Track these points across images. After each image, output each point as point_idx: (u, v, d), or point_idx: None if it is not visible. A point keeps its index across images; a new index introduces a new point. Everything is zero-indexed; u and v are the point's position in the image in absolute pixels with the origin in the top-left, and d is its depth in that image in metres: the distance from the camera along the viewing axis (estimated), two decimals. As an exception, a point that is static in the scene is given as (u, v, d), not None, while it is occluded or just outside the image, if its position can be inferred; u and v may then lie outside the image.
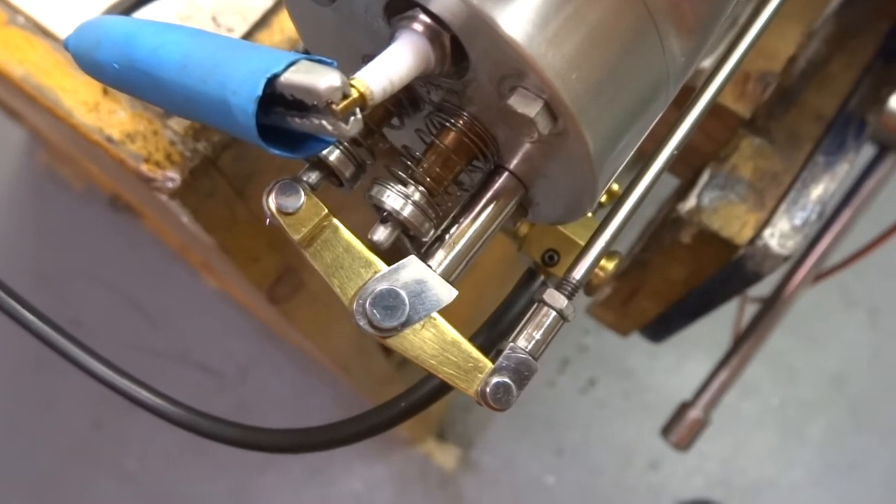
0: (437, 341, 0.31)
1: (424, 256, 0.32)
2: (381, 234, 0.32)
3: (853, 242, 0.77)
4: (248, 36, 0.54)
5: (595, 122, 0.29)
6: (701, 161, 0.60)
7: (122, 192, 1.49)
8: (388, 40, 0.29)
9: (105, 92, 0.51)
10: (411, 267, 0.31)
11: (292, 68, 0.26)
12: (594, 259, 0.33)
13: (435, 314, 0.31)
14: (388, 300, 0.30)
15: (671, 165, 0.35)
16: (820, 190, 0.59)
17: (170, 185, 0.50)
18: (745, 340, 0.79)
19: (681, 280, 0.65)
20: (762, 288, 0.66)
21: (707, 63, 0.49)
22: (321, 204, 0.32)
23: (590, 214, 0.37)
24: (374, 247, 0.32)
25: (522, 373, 0.31)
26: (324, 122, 0.26)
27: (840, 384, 1.60)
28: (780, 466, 1.55)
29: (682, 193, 0.61)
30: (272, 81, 0.26)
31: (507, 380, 0.31)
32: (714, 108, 0.38)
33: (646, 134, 0.34)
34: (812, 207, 0.58)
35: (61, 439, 1.56)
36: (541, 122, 0.28)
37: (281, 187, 0.32)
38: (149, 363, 1.57)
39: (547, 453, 1.57)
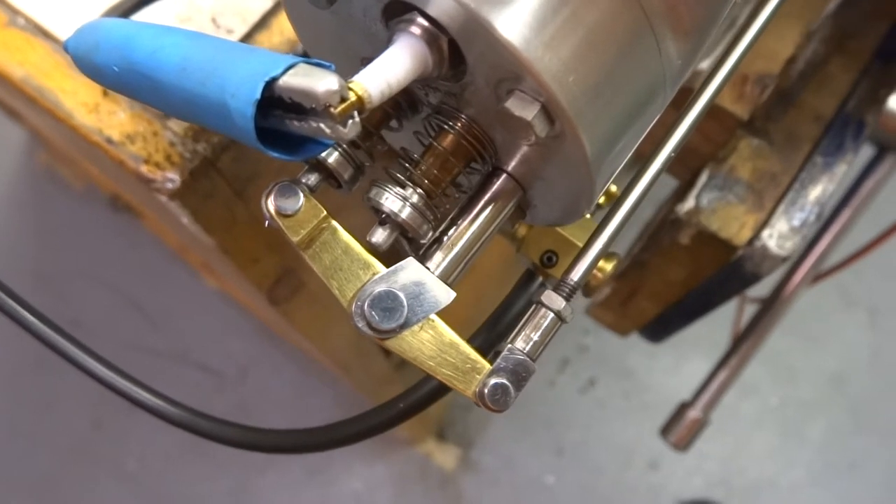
0: (435, 343, 0.31)
1: (423, 258, 0.32)
2: (380, 235, 0.32)
3: (852, 243, 0.77)
4: (248, 37, 0.54)
5: (592, 124, 0.29)
6: (699, 162, 0.60)
7: (122, 193, 1.49)
8: (386, 43, 0.29)
9: (105, 93, 0.51)
10: (410, 269, 0.31)
11: (290, 72, 0.27)
12: (592, 260, 0.34)
13: (433, 316, 0.31)
14: (387, 302, 0.31)
15: (670, 166, 0.35)
16: (818, 191, 0.59)
17: (169, 186, 0.50)
18: (744, 341, 0.79)
19: (680, 281, 0.66)
20: (761, 288, 0.66)
21: (705, 64, 0.49)
22: (320, 206, 0.32)
23: (588, 216, 0.37)
24: (372, 249, 0.32)
25: (520, 374, 0.31)
26: (322, 126, 0.27)
27: (840, 384, 1.60)
28: (780, 466, 1.55)
29: (680, 194, 0.61)
30: (271, 85, 0.27)
31: (504, 381, 0.31)
32: (712, 110, 0.38)
33: (643, 136, 0.34)
34: (810, 208, 0.58)
35: (61, 439, 1.56)
36: (538, 125, 0.28)
37: (280, 189, 0.32)
38: (149, 363, 1.57)
39: (547, 453, 1.57)
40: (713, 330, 0.99)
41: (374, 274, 0.31)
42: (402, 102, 0.34)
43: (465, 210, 0.33)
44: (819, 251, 0.75)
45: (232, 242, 0.60)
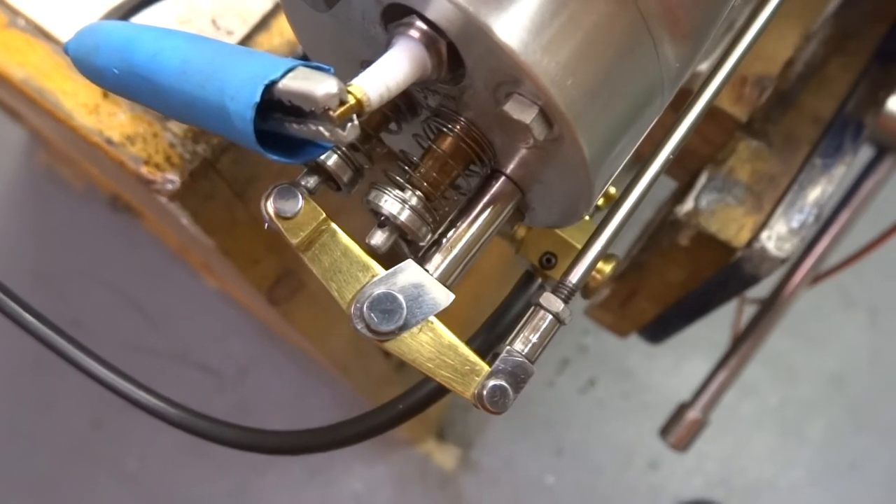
0: (434, 345, 0.31)
1: (422, 260, 0.32)
2: (379, 238, 0.32)
3: (852, 243, 0.77)
4: (248, 38, 0.54)
5: (590, 127, 0.29)
6: (698, 164, 0.61)
7: (122, 193, 1.49)
8: (385, 46, 0.29)
9: (105, 95, 0.51)
10: (409, 271, 0.31)
11: (290, 75, 0.27)
12: (591, 262, 0.34)
13: (432, 318, 0.31)
14: (386, 304, 0.31)
15: (668, 168, 0.36)
16: (817, 192, 0.59)
17: (169, 187, 0.50)
18: (743, 341, 0.80)
19: (679, 282, 0.66)
20: (761, 289, 0.66)
21: (704, 66, 0.49)
22: (319, 208, 0.32)
23: (587, 218, 0.37)
24: (371, 251, 0.32)
25: (519, 376, 0.31)
26: (321, 129, 0.27)
27: (840, 384, 1.60)
28: (780, 466, 1.55)
29: (679, 196, 0.61)
30: (270, 88, 0.27)
31: (503, 383, 0.31)
32: (711, 112, 0.38)
33: (641, 139, 0.34)
34: (809, 210, 0.58)
35: (61, 439, 1.56)
36: (536, 129, 0.28)
37: (279, 192, 0.32)
38: (148, 363, 1.57)
39: (546, 453, 1.57)
40: (713, 330, 0.99)
41: (373, 276, 0.31)
42: (402, 105, 0.34)
43: (464, 212, 0.33)
44: (818, 253, 0.75)
45: (232, 243, 0.60)
